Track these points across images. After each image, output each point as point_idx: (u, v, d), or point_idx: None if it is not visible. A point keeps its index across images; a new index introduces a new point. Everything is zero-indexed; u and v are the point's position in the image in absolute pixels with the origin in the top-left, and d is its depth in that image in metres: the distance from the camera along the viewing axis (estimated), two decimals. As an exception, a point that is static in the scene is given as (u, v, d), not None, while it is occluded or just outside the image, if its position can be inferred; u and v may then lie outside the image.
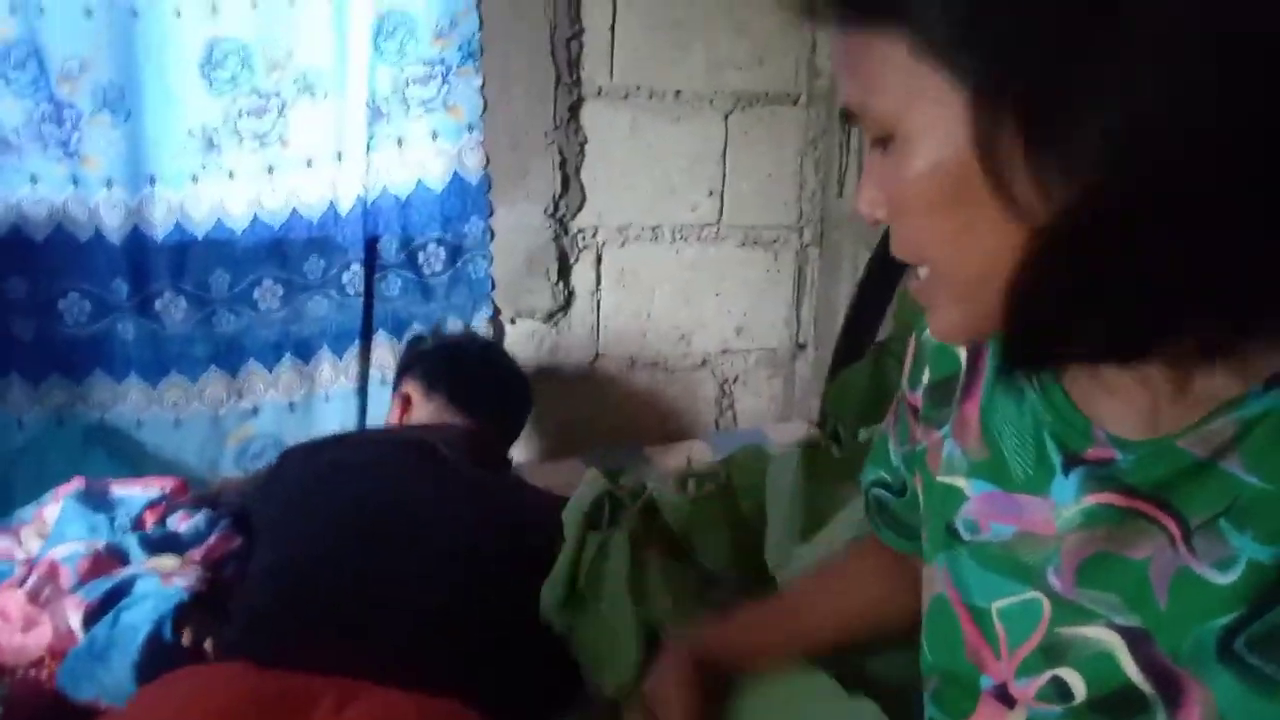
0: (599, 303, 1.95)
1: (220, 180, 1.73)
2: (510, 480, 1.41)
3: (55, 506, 1.42)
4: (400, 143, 1.77)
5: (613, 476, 1.23)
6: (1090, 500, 0.55)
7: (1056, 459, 0.58)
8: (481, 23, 1.76)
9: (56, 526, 1.36)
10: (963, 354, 0.67)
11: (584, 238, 1.90)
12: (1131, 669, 0.53)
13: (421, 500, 1.20)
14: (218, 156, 1.72)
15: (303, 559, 1.11)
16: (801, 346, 2.06)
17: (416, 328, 1.84)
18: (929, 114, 0.49)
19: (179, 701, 0.92)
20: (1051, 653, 0.57)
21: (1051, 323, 0.51)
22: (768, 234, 1.99)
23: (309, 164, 1.75)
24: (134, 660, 1.09)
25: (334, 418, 1.86)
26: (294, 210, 1.76)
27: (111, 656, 1.10)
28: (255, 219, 1.75)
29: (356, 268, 1.78)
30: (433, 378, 1.52)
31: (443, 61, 1.75)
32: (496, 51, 1.78)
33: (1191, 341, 0.50)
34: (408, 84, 1.75)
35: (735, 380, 2.05)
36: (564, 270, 1.90)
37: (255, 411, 1.84)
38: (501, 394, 1.58)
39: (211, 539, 1.36)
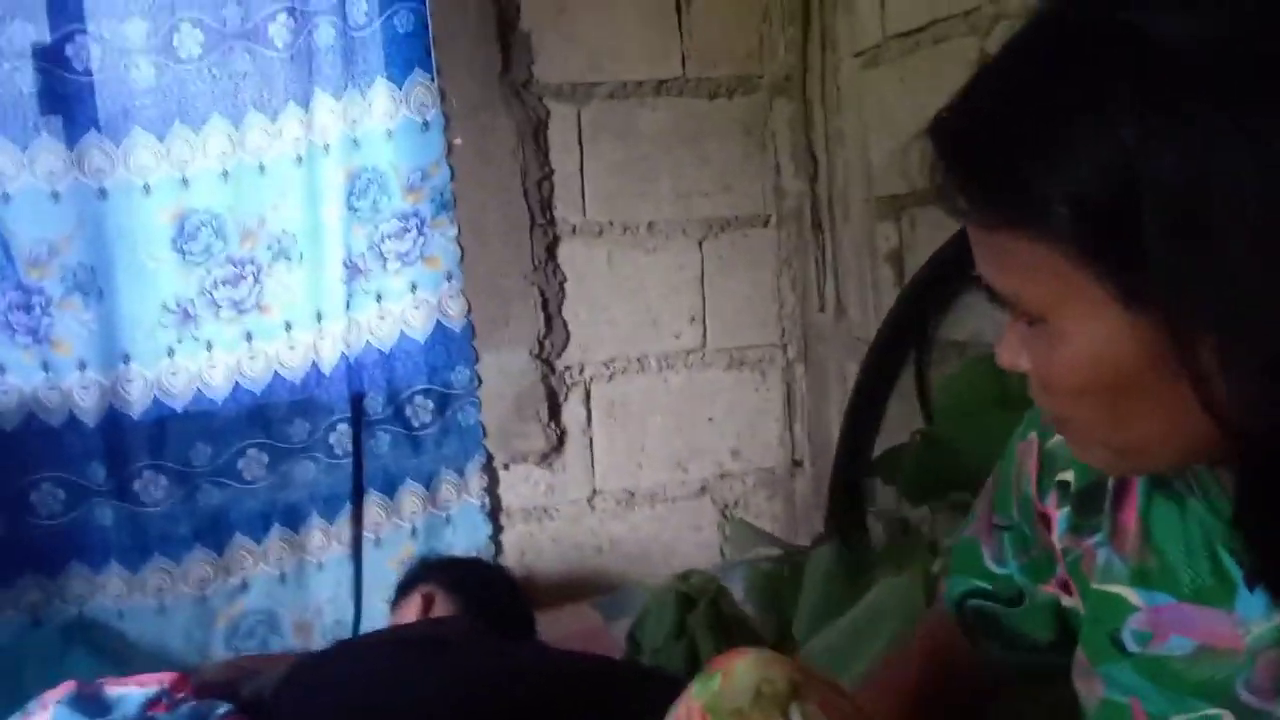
0: (592, 440, 1.91)
1: (197, 352, 1.69)
2: (528, 645, 1.38)
3: (42, 715, 1.32)
4: (380, 297, 1.75)
5: (683, 578, 1.45)
6: None
7: (1236, 573, 0.56)
8: (453, 173, 1.77)
9: (48, 738, 1.26)
10: None
11: (571, 375, 1.89)
12: None
13: (425, 690, 1.19)
14: (194, 328, 1.69)
15: None
16: (798, 464, 2.04)
17: (409, 484, 1.79)
18: (1087, 314, 0.50)
19: None
20: None
21: None
22: (753, 354, 2.00)
23: (288, 327, 1.73)
24: None
25: (327, 586, 1.78)
26: (275, 374, 1.72)
27: None
28: (236, 386, 1.71)
29: (343, 427, 1.74)
30: (458, 584, 1.52)
31: (416, 214, 1.76)
32: (469, 200, 1.79)
33: None
34: (383, 239, 1.75)
35: (736, 504, 2.02)
36: (554, 410, 1.87)
37: (244, 587, 1.75)
38: (516, 614, 1.57)
39: (215, 722, 1.27)
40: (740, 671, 0.61)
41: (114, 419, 1.65)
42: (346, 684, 1.24)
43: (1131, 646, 0.60)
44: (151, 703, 1.33)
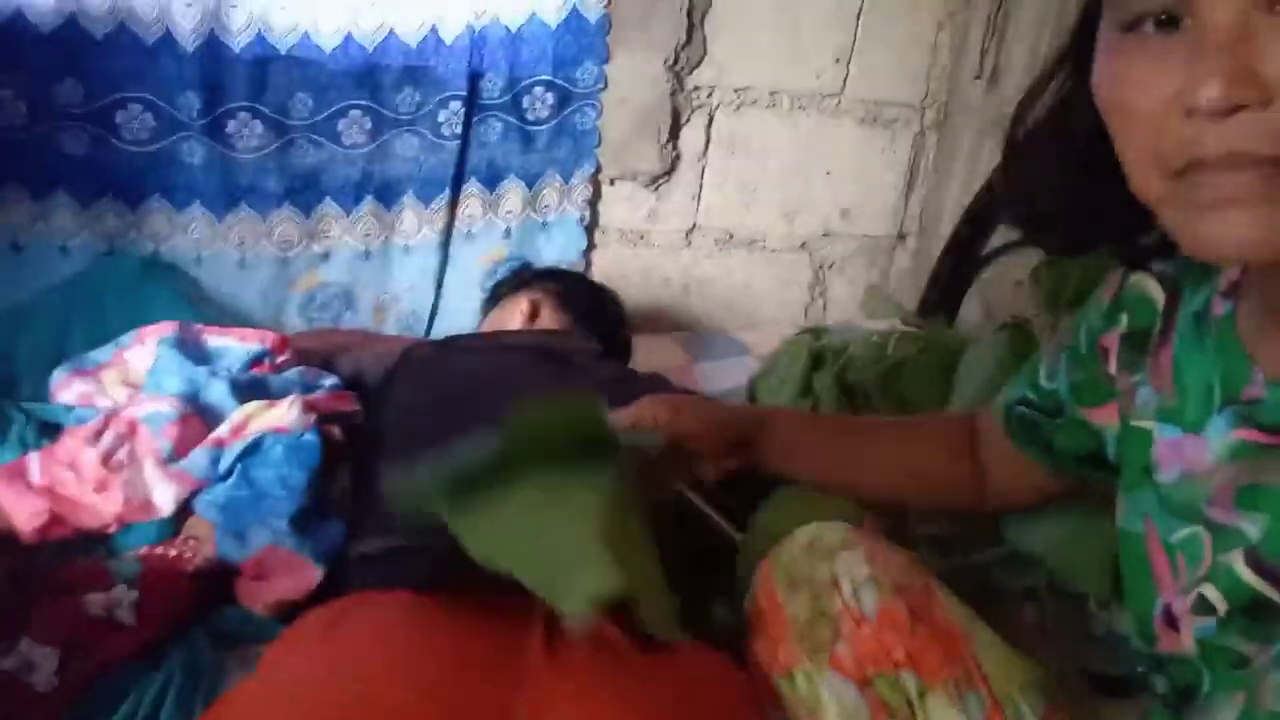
0: (704, 170, 1.79)
1: (308, -10, 1.51)
2: (645, 375, 1.33)
3: (140, 349, 1.27)
4: (515, -34, 1.56)
5: (816, 334, 1.40)
6: (1234, 436, 0.58)
7: (1218, 399, 0.60)
8: None
9: (152, 376, 1.21)
10: (1160, 304, 0.68)
11: (699, 96, 1.73)
12: (1249, 576, 0.56)
13: None
14: (309, -40, 1.49)
15: None
16: (902, 237, 1.95)
17: (512, 180, 1.68)
18: None
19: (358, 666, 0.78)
20: (1208, 576, 0.60)
21: None
22: (889, 111, 1.84)
23: (410, -18, 1.53)
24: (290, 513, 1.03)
25: (410, 271, 1.71)
26: (391, 32, 1.55)
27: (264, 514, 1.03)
28: (347, 38, 1.54)
29: (456, 106, 1.60)
30: (568, 297, 1.43)
31: (572, -124, 1.53)
32: None
33: None
34: (529, -102, 1.53)
35: (831, 266, 1.94)
36: (674, 130, 1.74)
37: (326, 257, 1.67)
38: (620, 335, 1.49)
39: (322, 393, 1.22)
40: (800, 533, 0.73)
41: (213, 48, 1.49)
42: (467, 385, 1.18)
43: (1154, 476, 0.65)
44: (254, 360, 1.29)
